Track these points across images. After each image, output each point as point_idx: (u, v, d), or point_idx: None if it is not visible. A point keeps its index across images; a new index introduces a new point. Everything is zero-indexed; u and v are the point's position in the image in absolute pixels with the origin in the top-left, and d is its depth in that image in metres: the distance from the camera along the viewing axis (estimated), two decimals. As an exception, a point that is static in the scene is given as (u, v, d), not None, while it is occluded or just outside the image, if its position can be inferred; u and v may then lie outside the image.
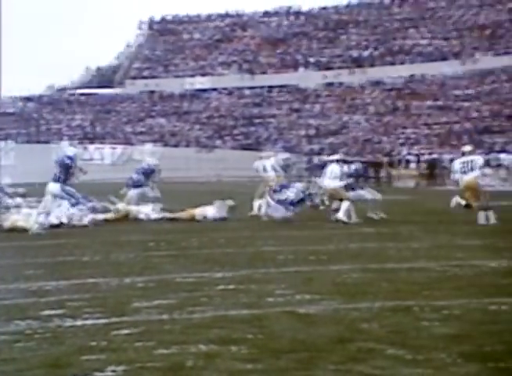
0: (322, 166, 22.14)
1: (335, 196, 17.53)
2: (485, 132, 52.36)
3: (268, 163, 19.99)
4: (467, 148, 17.33)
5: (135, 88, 74.84)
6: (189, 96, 72.54)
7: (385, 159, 44.69)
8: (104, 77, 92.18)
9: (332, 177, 17.44)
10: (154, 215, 18.20)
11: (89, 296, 7.87)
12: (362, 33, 72.41)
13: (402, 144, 53.11)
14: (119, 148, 61.09)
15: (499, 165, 36.21)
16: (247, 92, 70.89)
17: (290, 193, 17.60)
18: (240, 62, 73.90)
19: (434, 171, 39.45)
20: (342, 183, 17.42)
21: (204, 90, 72.42)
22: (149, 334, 6.20)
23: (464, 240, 13.14)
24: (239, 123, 66.88)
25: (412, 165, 37.96)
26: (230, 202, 18.50)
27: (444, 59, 64.35)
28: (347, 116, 64.28)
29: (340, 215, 16.85)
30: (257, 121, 66.67)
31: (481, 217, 16.20)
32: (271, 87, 70.58)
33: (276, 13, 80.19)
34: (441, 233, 14.58)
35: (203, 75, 73.38)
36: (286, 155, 24.45)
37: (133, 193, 19.90)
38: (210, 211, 18.15)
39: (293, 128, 65.06)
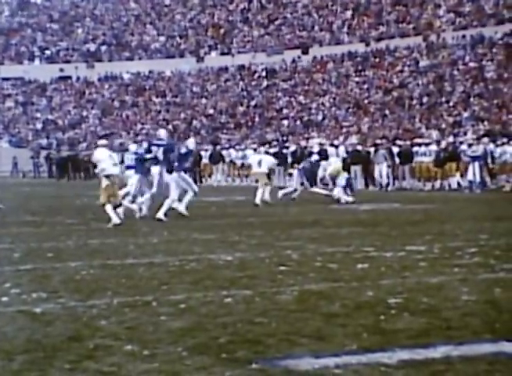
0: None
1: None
2: (222, 129, 53.88)
3: None
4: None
5: None
6: None
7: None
8: None
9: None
10: None
11: None
12: (100, 27, 71.81)
13: (142, 140, 53.31)
14: None
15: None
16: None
17: None
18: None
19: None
20: None
21: None
22: None
23: (201, 234, 13.44)
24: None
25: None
26: None
27: (181, 56, 65.40)
28: (85, 110, 63.55)
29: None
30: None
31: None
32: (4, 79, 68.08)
33: (6, 2, 77.44)
34: (179, 227, 14.81)
35: None
36: None
37: None
38: None
39: (22, 122, 63.39)
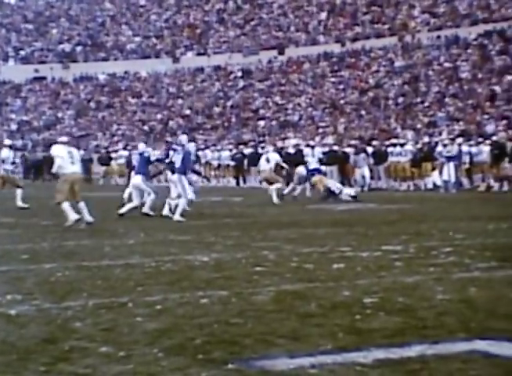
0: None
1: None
2: (198, 129, 53.79)
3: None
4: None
5: None
6: None
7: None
8: None
9: None
10: None
11: None
12: (75, 27, 71.48)
13: (118, 141, 53.15)
14: None
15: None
16: None
17: None
18: None
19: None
20: None
21: None
22: None
23: (178, 235, 13.42)
24: None
25: (121, 161, 37.86)
26: None
27: (157, 56, 65.23)
28: (61, 111, 63.22)
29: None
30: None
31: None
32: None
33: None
34: (155, 229, 14.78)
35: None
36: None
37: None
38: None
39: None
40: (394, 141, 31.19)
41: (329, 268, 9.17)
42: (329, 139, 37.67)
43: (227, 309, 6.85)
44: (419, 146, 29.12)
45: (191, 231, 14.08)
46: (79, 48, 68.68)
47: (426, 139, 31.13)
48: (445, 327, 5.98)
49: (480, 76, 44.11)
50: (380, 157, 29.64)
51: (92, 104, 63.00)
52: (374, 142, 31.34)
